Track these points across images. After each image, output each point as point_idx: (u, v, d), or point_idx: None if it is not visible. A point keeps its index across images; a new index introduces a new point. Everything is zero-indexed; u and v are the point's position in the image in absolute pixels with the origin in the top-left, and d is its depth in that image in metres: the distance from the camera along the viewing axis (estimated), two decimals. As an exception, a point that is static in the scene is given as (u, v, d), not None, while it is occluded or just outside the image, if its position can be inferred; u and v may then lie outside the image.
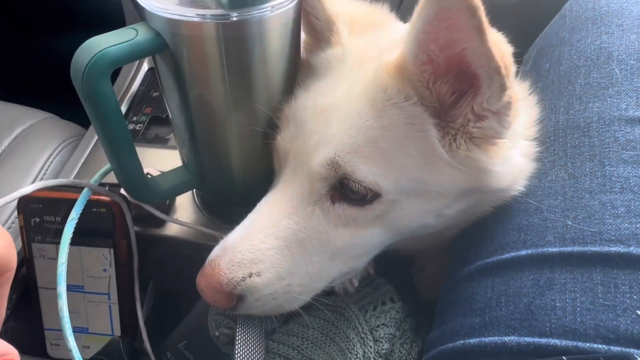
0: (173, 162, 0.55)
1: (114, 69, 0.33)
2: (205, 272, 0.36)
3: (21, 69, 1.13)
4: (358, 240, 0.37)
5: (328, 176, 0.35)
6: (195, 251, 0.52)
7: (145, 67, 0.72)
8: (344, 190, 0.36)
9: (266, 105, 0.40)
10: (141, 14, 0.36)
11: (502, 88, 0.31)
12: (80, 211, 0.39)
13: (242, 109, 0.39)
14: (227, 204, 0.51)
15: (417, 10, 0.30)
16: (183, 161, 0.48)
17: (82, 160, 0.59)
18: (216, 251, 0.38)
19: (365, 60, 0.38)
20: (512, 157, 0.37)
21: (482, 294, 0.34)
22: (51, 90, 0.95)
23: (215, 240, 0.50)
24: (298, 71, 0.42)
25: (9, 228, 0.54)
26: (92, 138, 0.62)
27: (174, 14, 0.33)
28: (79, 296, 0.48)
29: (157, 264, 0.54)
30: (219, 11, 0.33)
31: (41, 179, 0.60)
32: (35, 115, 0.69)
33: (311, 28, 0.43)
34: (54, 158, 0.62)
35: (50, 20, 1.09)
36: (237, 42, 0.35)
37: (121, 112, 0.35)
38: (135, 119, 0.65)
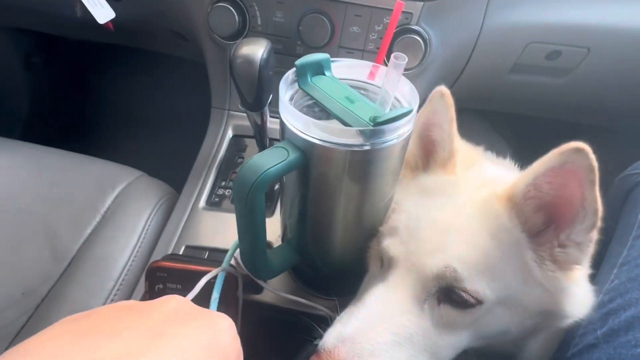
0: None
1: (269, 184, 0.40)
2: None
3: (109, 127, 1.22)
4: (453, 340, 0.42)
5: (442, 278, 0.40)
6: (285, 315, 0.59)
7: (230, 133, 0.81)
8: (449, 295, 0.41)
9: (373, 208, 0.47)
10: (282, 133, 0.44)
11: (593, 225, 0.40)
12: (220, 291, 0.46)
13: (353, 212, 0.47)
14: (319, 275, 0.58)
15: (545, 158, 0.39)
16: (284, 237, 0.56)
17: (181, 227, 0.66)
18: (332, 340, 0.41)
19: (468, 189, 0.46)
20: (583, 280, 0.45)
21: None
22: (136, 147, 1.04)
23: (306, 307, 0.57)
24: (398, 179, 0.49)
25: (120, 285, 0.61)
26: (187, 205, 0.69)
27: (321, 141, 0.40)
28: None
29: (251, 327, 0.60)
30: (356, 140, 0.40)
31: (144, 238, 0.67)
32: (130, 173, 0.78)
33: (427, 152, 0.52)
34: (153, 218, 0.70)
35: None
36: (360, 164, 0.42)
37: (265, 215, 0.43)
38: (223, 184, 0.74)
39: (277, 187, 0.72)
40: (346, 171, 0.42)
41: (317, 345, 0.51)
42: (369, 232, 0.51)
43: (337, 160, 0.41)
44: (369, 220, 0.50)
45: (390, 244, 0.45)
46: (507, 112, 1.05)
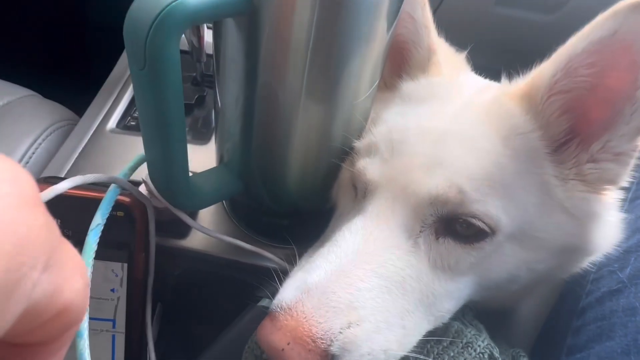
0: (199, 161, 0.46)
1: (187, 28, 0.24)
2: (282, 325, 0.26)
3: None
4: (453, 287, 0.32)
5: (443, 202, 0.30)
6: (221, 268, 0.44)
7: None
8: (451, 225, 0.31)
9: (346, 104, 0.33)
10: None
11: None
12: (107, 214, 0.29)
13: (317, 104, 0.32)
14: (268, 214, 0.43)
15: (588, 28, 0.28)
16: (221, 159, 0.40)
17: (78, 150, 0.48)
18: (291, 294, 0.28)
19: (466, 91, 0.37)
20: (614, 206, 0.35)
21: None
22: (32, 66, 0.82)
23: (251, 257, 0.42)
24: (382, 73, 0.35)
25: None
26: (90, 126, 0.51)
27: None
28: (74, 322, 0.37)
29: (173, 283, 0.44)
30: None
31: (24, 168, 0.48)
32: (15, 91, 0.58)
33: (401, 55, 0.41)
34: (40, 144, 0.51)
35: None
36: (334, 12, 0.28)
37: (182, 87, 0.27)
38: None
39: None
40: (313, 27, 0.28)
41: (265, 307, 0.37)
42: (338, 149, 0.37)
43: (300, 3, 0.27)
44: (340, 126, 0.35)
45: (368, 165, 0.34)
46: (486, 64, 0.95)
